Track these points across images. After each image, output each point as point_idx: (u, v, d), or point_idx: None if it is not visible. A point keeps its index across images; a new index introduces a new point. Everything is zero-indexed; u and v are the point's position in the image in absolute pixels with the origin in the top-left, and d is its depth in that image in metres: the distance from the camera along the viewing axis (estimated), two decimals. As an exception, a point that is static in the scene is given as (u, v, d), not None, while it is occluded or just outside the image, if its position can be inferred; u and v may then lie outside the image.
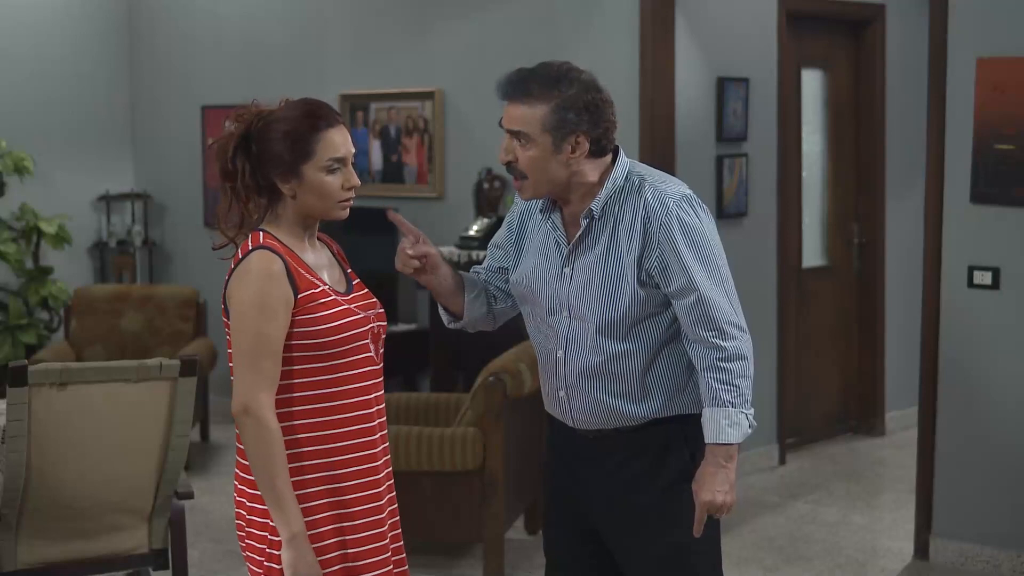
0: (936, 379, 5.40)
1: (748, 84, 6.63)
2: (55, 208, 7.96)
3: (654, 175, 3.00)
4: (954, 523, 5.38)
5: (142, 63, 8.43)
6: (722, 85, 6.50)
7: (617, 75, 5.87)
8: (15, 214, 7.84)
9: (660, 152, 6.06)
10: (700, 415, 2.98)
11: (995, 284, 5.18)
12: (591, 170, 2.96)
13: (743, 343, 2.93)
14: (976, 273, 5.22)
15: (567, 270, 3.00)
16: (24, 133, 7.86)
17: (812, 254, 7.43)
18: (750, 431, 2.96)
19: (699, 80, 6.40)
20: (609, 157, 2.99)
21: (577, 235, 2.98)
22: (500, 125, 2.96)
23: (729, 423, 2.90)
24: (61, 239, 7.80)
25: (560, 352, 3.03)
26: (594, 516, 3.10)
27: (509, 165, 2.96)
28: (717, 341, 2.90)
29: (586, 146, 2.91)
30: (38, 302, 7.83)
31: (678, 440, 3.01)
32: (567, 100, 2.87)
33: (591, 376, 3.00)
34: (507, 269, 3.17)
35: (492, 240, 3.24)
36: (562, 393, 3.06)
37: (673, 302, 2.93)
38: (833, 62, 7.40)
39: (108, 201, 8.33)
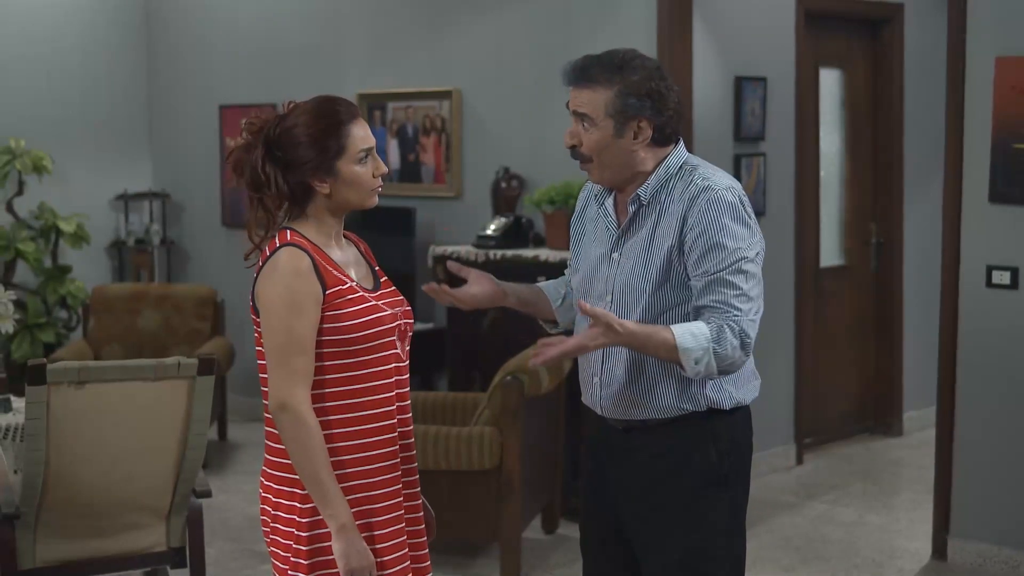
0: (954, 379, 5.39)
1: (766, 83, 6.62)
2: (73, 207, 7.99)
3: (707, 166, 2.98)
4: (972, 524, 5.36)
5: (160, 62, 8.46)
6: (740, 84, 6.48)
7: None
8: (34, 213, 7.87)
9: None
10: (729, 411, 2.97)
11: (1014, 284, 5.16)
12: (650, 158, 2.96)
13: (747, 323, 2.82)
14: (995, 273, 5.20)
15: (615, 255, 3.00)
16: (43, 132, 7.89)
17: (830, 253, 7.41)
18: (699, 371, 2.79)
19: (716, 79, 6.39)
20: (670, 147, 2.99)
21: (625, 221, 2.99)
22: (567, 107, 2.96)
23: (694, 337, 2.76)
24: (79, 238, 7.83)
25: None
26: (620, 510, 3.09)
27: (574, 149, 2.96)
28: (734, 303, 2.80)
29: (649, 132, 2.92)
30: (56, 301, 7.87)
31: (704, 438, 2.97)
32: (630, 86, 2.88)
33: (619, 362, 2.98)
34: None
35: None
36: (596, 379, 3.05)
37: (691, 277, 2.87)
38: (851, 61, 7.38)
39: (126, 200, 8.35)
